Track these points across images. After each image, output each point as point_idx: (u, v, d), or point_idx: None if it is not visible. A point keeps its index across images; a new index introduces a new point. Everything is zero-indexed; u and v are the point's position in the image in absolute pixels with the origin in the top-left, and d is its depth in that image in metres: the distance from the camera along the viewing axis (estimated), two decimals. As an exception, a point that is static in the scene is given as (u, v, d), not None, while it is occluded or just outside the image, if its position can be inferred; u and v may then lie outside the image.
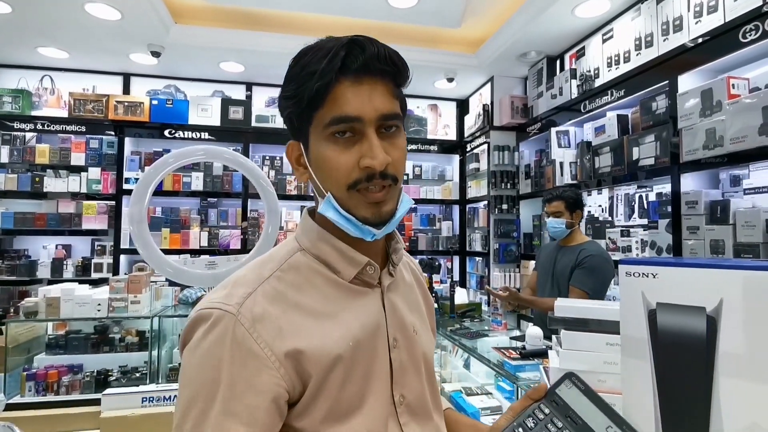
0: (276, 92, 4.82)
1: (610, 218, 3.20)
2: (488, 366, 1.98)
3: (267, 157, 4.62)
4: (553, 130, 3.61)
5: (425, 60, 4.07)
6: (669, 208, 2.55)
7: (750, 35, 2.14)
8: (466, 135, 4.91)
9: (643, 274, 0.72)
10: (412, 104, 5.04)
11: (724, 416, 0.59)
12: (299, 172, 0.67)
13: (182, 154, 1.71)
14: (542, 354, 1.88)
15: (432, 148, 4.99)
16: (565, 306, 1.63)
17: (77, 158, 4.21)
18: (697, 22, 2.41)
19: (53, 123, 4.18)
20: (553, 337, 1.70)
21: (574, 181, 3.39)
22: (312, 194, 0.70)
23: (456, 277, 4.93)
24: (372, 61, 0.59)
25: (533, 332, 2.04)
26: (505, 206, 4.21)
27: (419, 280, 0.84)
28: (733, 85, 2.19)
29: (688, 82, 2.47)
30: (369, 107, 0.59)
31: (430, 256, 3.07)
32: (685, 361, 0.64)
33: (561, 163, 3.51)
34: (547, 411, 0.61)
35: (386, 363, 0.65)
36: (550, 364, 1.57)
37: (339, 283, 0.65)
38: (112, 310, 2.88)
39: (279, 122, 4.54)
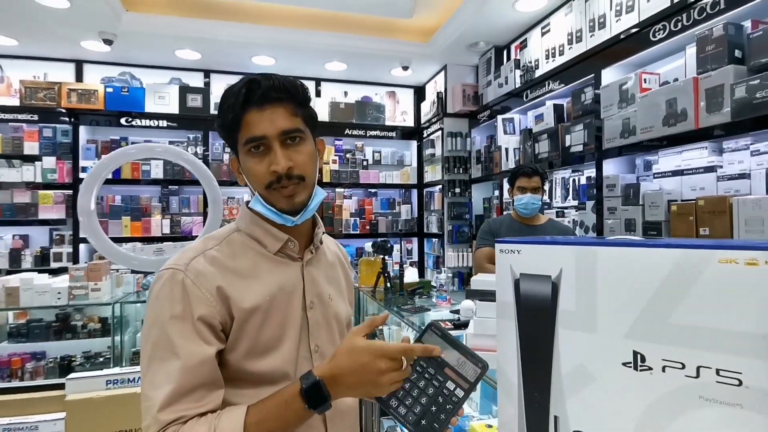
0: (234, 79, 4.82)
1: (548, 200, 3.47)
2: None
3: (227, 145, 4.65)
4: (500, 117, 3.83)
5: (379, 49, 4.19)
6: (594, 191, 2.81)
7: (659, 34, 2.37)
8: (422, 121, 5.09)
9: (511, 250, 0.90)
10: (370, 91, 5.16)
11: (562, 360, 0.73)
12: (240, 178, 0.88)
13: (116, 157, 1.74)
14: (473, 324, 2.10)
15: (391, 134, 5.14)
16: (480, 280, 1.85)
17: (30, 147, 4.15)
18: (617, 20, 2.64)
19: (4, 111, 4.10)
20: (473, 306, 1.92)
21: (515, 167, 3.62)
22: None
23: (415, 258, 5.17)
24: (268, 92, 0.78)
25: (466, 305, 2.26)
26: (458, 190, 4.43)
27: (342, 262, 1.05)
28: (645, 79, 2.44)
29: (610, 75, 2.71)
30: (271, 127, 0.78)
31: (382, 239, 3.25)
32: (537, 319, 0.78)
33: (506, 149, 3.74)
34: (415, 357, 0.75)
35: (300, 318, 0.85)
36: (467, 330, 1.79)
37: (265, 254, 0.85)
38: (73, 297, 2.95)
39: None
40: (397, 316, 2.72)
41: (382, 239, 3.29)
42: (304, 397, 0.70)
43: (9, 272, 3.91)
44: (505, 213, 3.38)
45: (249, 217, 0.87)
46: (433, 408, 0.72)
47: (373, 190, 5.21)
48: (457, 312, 2.55)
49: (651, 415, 0.65)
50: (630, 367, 0.66)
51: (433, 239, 4.90)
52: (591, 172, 3.05)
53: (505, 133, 3.78)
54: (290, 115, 0.80)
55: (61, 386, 2.67)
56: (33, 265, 4.07)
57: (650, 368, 0.64)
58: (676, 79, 2.39)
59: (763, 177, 1.99)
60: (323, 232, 0.96)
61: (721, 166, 2.18)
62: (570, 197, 3.28)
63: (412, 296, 3.04)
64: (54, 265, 4.11)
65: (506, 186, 2.73)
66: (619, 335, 0.68)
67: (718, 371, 0.58)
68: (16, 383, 2.90)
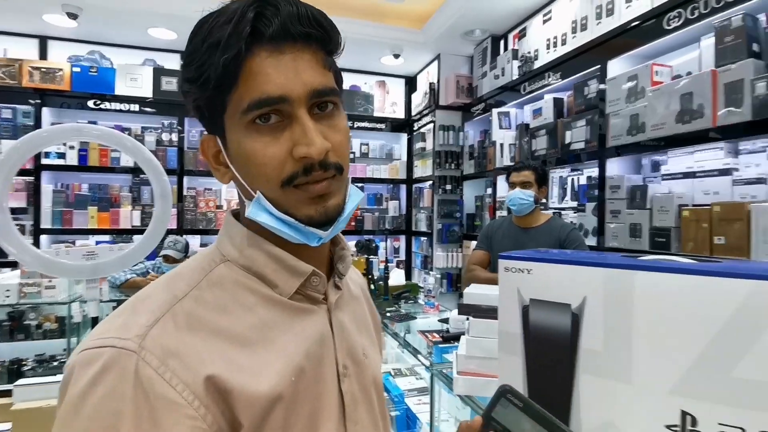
0: (214, 63, 4.55)
1: (544, 200, 3.27)
2: (406, 350, 1.99)
3: (205, 133, 4.37)
4: (495, 111, 3.61)
5: (370, 34, 3.94)
6: (596, 192, 2.62)
7: (673, 22, 2.17)
8: (413, 113, 4.86)
9: (519, 269, 0.71)
10: (359, 80, 4.91)
11: (583, 414, 0.59)
12: (220, 173, 0.54)
13: (29, 141, 1.39)
14: (463, 337, 1.89)
15: (380, 126, 4.91)
16: (475, 293, 1.62)
17: (-12, 129, 3.83)
18: (628, 7, 2.43)
19: (-42, 89, 3.77)
20: (464, 321, 1.71)
21: (512, 164, 3.42)
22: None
23: (402, 257, 4.96)
24: (292, 22, 0.46)
25: (456, 316, 2.05)
26: (449, 186, 4.22)
27: (366, 294, 0.73)
28: (656, 72, 2.24)
29: (617, 67, 2.51)
30: (296, 82, 0.47)
31: (367, 238, 3.04)
32: (551, 358, 0.65)
33: (501, 145, 3.53)
34: None
35: (336, 396, 0.55)
36: (458, 350, 1.58)
37: (276, 300, 0.52)
38: (24, 296, 2.68)
39: (218, 95, 4.29)
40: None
41: (367, 238, 3.08)
42: None
43: (-38, 264, 3.60)
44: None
45: (244, 237, 0.53)
46: None
47: (359, 185, 4.97)
48: (445, 321, 2.34)
49: (701, 495, 0.50)
50: (676, 430, 0.52)
51: (422, 238, 4.69)
52: (591, 171, 2.86)
53: (501, 127, 3.57)
54: (321, 67, 0.50)
55: (8, 393, 2.42)
56: (-11, 256, 3.76)
57: (703, 434, 0.49)
58: (689, 73, 2.19)
59: (786, 182, 1.81)
60: (351, 254, 0.65)
61: (737, 169, 2.00)
62: (568, 198, 3.09)
63: (397, 301, 2.83)
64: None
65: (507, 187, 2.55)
66: (664, 389, 0.54)
67: (793, 442, 0.44)
68: (-43, 390, 2.62)
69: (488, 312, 1.48)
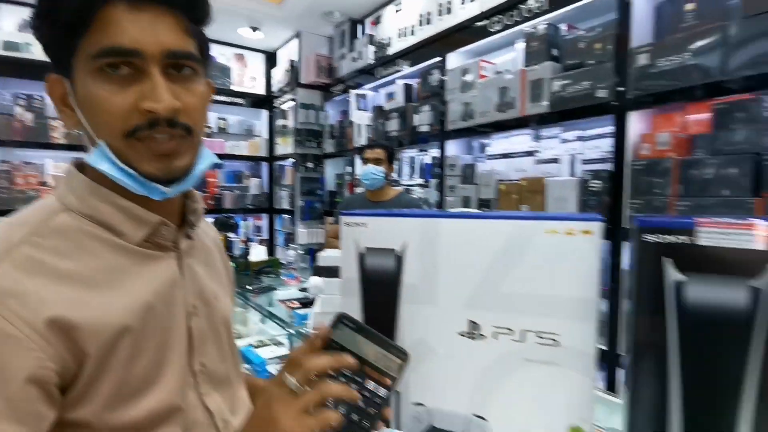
0: (28, 11, 3.83)
1: (396, 177, 3.58)
2: (270, 321, 2.07)
3: (22, 96, 3.69)
4: (353, 92, 3.79)
5: (225, 2, 3.74)
6: (438, 170, 2.98)
7: (495, 27, 2.56)
8: (274, 90, 4.78)
9: (356, 223, 0.84)
10: (214, 51, 4.63)
11: (404, 336, 0.74)
12: (65, 115, 0.54)
13: None
14: (321, 301, 2.03)
15: (239, 101, 4.72)
16: (328, 256, 1.77)
17: None
18: (462, 8, 2.78)
19: None
20: (321, 283, 1.85)
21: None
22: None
23: (265, 236, 4.92)
24: None
25: (314, 282, 2.19)
26: (310, 164, 4.30)
27: (220, 246, 0.79)
28: (483, 67, 2.63)
29: (454, 60, 2.86)
30: (151, 40, 0.48)
31: (226, 215, 2.97)
32: (381, 294, 0.78)
33: (359, 125, 3.73)
34: None
35: (184, 332, 0.59)
36: (314, 309, 1.72)
37: (123, 247, 0.54)
38: None
39: (39, 52, 3.63)
40: (241, 299, 2.52)
41: (226, 215, 3.01)
42: None
43: None
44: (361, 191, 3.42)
45: (86, 186, 0.54)
46: (354, 416, 0.62)
47: (217, 162, 4.74)
48: (305, 290, 2.46)
49: (483, 381, 0.69)
50: (466, 336, 0.70)
51: (285, 215, 4.71)
52: (435, 152, 3.22)
53: (358, 109, 3.76)
54: (182, 32, 0.51)
55: None
56: None
57: (483, 336, 0.68)
58: (508, 70, 2.63)
59: (569, 162, 2.32)
60: (203, 207, 0.68)
61: (539, 151, 2.48)
62: (416, 175, 3.44)
63: (258, 275, 2.85)
64: None
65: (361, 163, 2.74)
66: (458, 306, 0.71)
67: (538, 334, 0.64)
68: None
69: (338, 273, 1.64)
